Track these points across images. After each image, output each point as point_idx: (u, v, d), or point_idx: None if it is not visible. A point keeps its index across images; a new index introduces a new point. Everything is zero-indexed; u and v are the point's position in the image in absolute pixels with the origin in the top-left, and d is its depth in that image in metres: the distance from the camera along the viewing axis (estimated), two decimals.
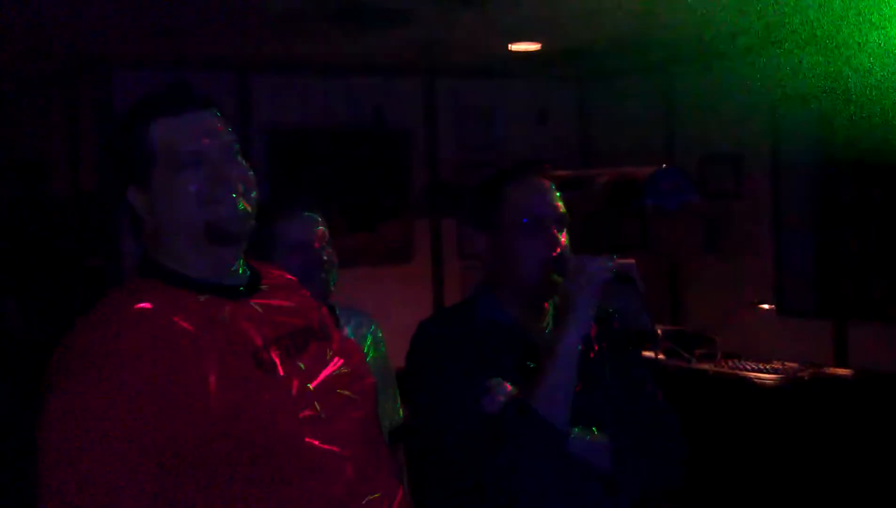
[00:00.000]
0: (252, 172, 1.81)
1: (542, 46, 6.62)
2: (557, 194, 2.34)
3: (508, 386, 2.14)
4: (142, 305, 1.68)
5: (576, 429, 2.16)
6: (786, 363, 4.51)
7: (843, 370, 4.66)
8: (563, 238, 2.29)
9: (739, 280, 6.77)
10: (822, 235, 6.54)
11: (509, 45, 6.58)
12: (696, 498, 4.49)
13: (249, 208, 1.78)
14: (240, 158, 1.80)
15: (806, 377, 4.30)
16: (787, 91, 6.59)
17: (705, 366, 4.53)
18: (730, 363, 4.55)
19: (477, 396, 2.12)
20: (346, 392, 1.82)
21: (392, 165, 7.57)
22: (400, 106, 7.57)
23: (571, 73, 7.90)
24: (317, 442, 1.69)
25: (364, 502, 1.73)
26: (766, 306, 5.14)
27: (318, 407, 1.73)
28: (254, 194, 1.80)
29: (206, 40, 6.14)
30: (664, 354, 4.68)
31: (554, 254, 2.24)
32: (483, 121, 7.85)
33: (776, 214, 6.75)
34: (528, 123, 8.04)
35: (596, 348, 2.34)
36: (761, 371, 4.38)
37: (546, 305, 2.34)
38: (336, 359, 1.86)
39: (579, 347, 2.12)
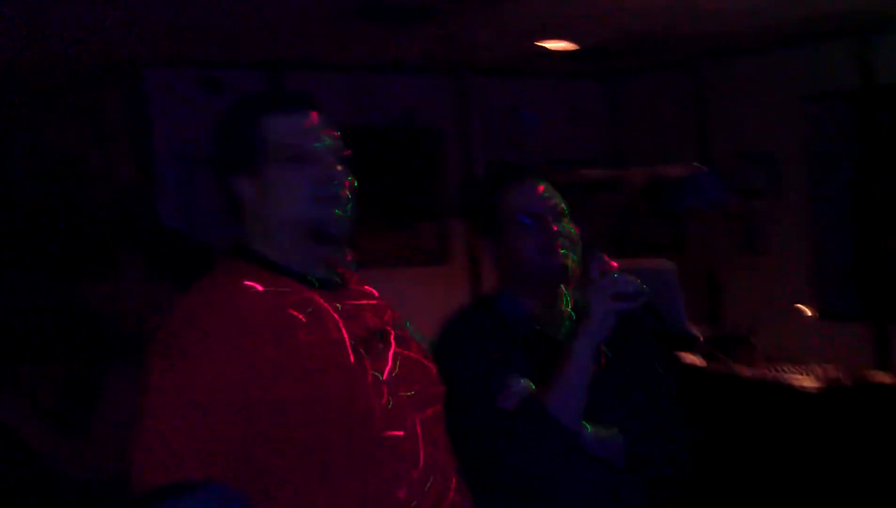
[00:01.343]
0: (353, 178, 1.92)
1: (572, 44, 6.58)
2: (553, 191, 2.46)
3: (525, 383, 2.24)
4: (247, 282, 1.81)
5: (589, 427, 2.25)
6: (827, 368, 4.45)
7: (886, 376, 4.58)
8: (565, 229, 2.40)
9: (778, 282, 6.67)
10: (861, 234, 6.44)
11: (539, 43, 6.54)
12: (735, 503, 4.45)
13: (350, 213, 1.87)
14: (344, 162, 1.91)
15: (848, 383, 4.24)
16: (821, 86, 6.51)
17: (745, 371, 4.48)
18: (770, 367, 4.49)
19: (494, 392, 2.22)
20: (415, 393, 1.94)
21: (424, 165, 7.55)
22: (431, 105, 7.54)
23: (602, 70, 7.85)
24: (393, 432, 1.82)
25: (427, 487, 1.86)
26: (805, 309, 5.06)
27: (392, 402, 1.85)
28: (351, 199, 1.91)
29: (238, 39, 6.15)
30: (703, 358, 4.63)
31: (554, 246, 2.36)
32: (514, 119, 7.82)
33: (813, 213, 6.66)
34: (559, 121, 8.00)
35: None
36: (803, 377, 4.32)
37: (560, 295, 2.44)
38: (412, 362, 1.99)
39: (595, 353, 2.23)
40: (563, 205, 2.43)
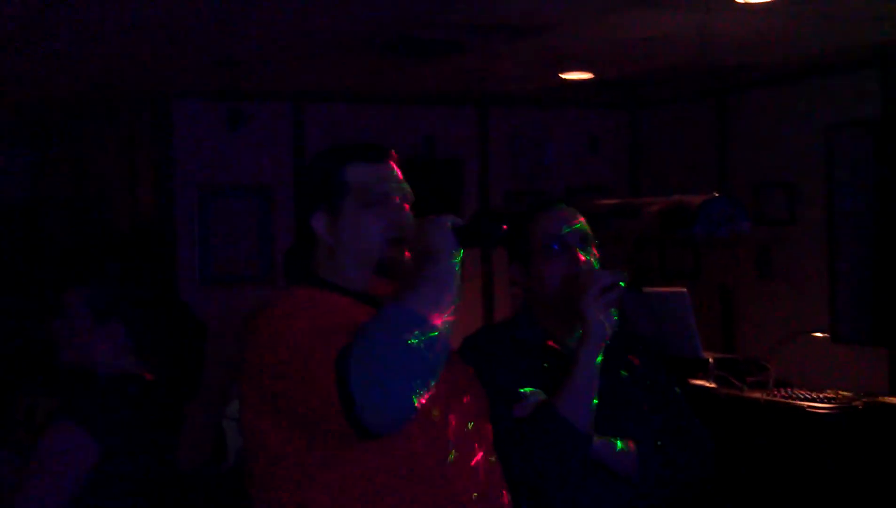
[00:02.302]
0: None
1: (593, 75, 6.66)
2: (580, 218, 2.56)
3: (540, 394, 2.35)
4: (318, 295, 2.05)
5: (599, 437, 2.33)
6: (839, 392, 4.48)
7: None
8: (588, 256, 2.50)
9: (794, 308, 6.72)
10: (877, 261, 6.48)
11: (561, 75, 6.63)
12: None
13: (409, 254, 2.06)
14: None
15: (860, 406, 4.27)
16: (843, 116, 6.57)
17: (757, 394, 4.51)
18: (782, 391, 4.52)
19: (510, 403, 2.33)
20: (467, 408, 2.10)
21: (444, 194, 7.62)
22: (452, 135, 7.65)
23: (623, 100, 7.92)
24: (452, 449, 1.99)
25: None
26: (818, 334, 5.09)
27: (446, 420, 2.01)
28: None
29: (263, 71, 6.27)
30: (716, 382, 4.68)
31: (579, 270, 2.45)
32: (534, 149, 7.88)
33: (831, 241, 6.70)
34: (580, 151, 8.07)
35: (634, 362, 2.55)
36: (814, 400, 4.35)
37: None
38: (458, 370, 2.14)
39: (599, 355, 2.32)
40: (590, 233, 2.53)
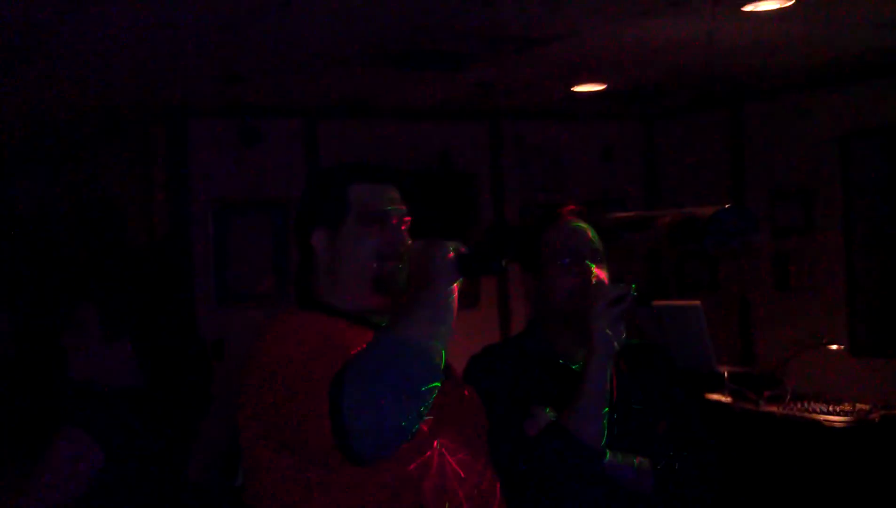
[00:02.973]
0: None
1: (606, 87, 6.65)
2: (592, 232, 2.55)
3: (550, 411, 2.33)
4: (312, 318, 2.08)
5: (612, 453, 2.31)
6: (857, 405, 4.43)
7: None
8: (598, 271, 2.48)
9: (811, 319, 6.67)
10: (895, 271, 6.43)
11: (573, 88, 6.61)
12: None
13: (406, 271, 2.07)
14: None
15: (876, 419, 4.22)
16: (859, 124, 6.53)
17: (773, 408, 4.47)
18: (799, 405, 4.48)
19: (520, 420, 2.32)
20: (464, 421, 2.13)
21: (459, 209, 7.61)
22: (465, 149, 7.64)
23: (636, 111, 7.90)
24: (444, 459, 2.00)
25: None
26: (834, 347, 5.05)
27: (442, 433, 2.02)
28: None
29: (276, 87, 6.28)
30: (732, 396, 4.64)
31: (588, 283, 2.43)
32: (548, 161, 7.87)
33: (848, 250, 6.65)
34: (594, 162, 8.05)
35: (633, 373, 2.52)
36: (831, 413, 4.31)
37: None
38: (460, 396, 2.18)
39: (609, 370, 2.31)
40: (600, 247, 2.52)
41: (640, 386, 2.51)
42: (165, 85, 6.03)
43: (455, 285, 1.93)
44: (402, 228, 2.17)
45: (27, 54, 5.07)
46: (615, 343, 2.32)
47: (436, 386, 1.81)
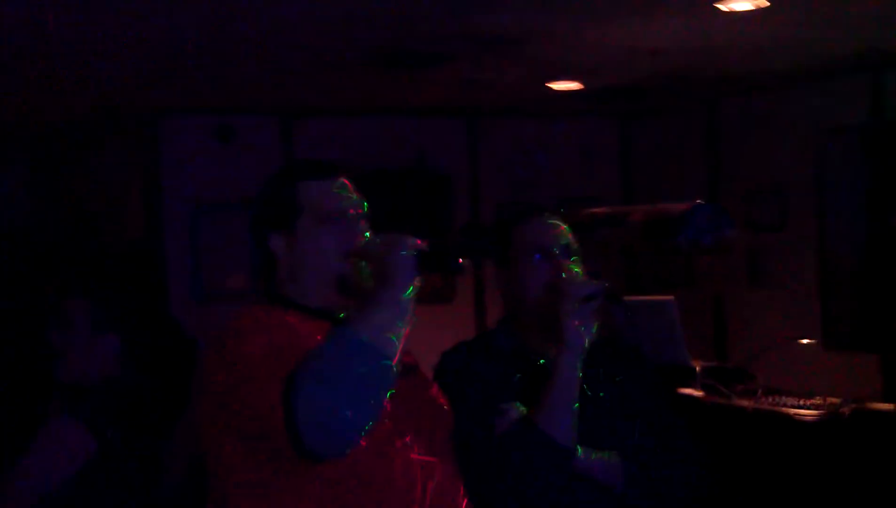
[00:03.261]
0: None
1: (582, 86, 6.67)
2: (565, 228, 2.53)
3: (520, 408, 2.31)
4: (275, 314, 2.05)
5: (583, 449, 2.31)
6: (827, 399, 4.46)
7: (886, 404, 4.59)
8: (570, 266, 2.46)
9: (785, 314, 6.71)
10: (868, 267, 6.48)
11: (550, 85, 6.64)
12: None
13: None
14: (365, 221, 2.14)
15: (846, 413, 4.25)
16: (833, 122, 6.58)
17: (745, 402, 4.49)
18: (770, 399, 4.50)
19: (490, 417, 2.30)
20: (429, 420, 2.11)
21: (435, 207, 7.62)
22: (442, 148, 7.66)
23: (613, 110, 7.93)
24: (402, 458, 1.98)
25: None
26: (805, 341, 5.08)
27: (405, 427, 2.01)
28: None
29: (252, 86, 6.28)
30: (704, 390, 4.66)
31: (558, 279, 2.41)
32: (525, 160, 7.88)
33: (821, 247, 6.70)
34: (571, 161, 8.07)
35: (607, 369, 2.50)
36: (801, 407, 4.33)
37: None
38: (425, 392, 2.18)
39: (578, 366, 2.30)
40: (574, 244, 2.51)
41: (612, 382, 2.50)
42: (140, 85, 6.02)
43: (413, 284, 1.89)
44: (361, 222, 2.13)
45: None
46: (586, 340, 2.31)
47: (389, 385, 1.80)
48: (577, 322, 2.30)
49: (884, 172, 6.36)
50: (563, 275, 2.42)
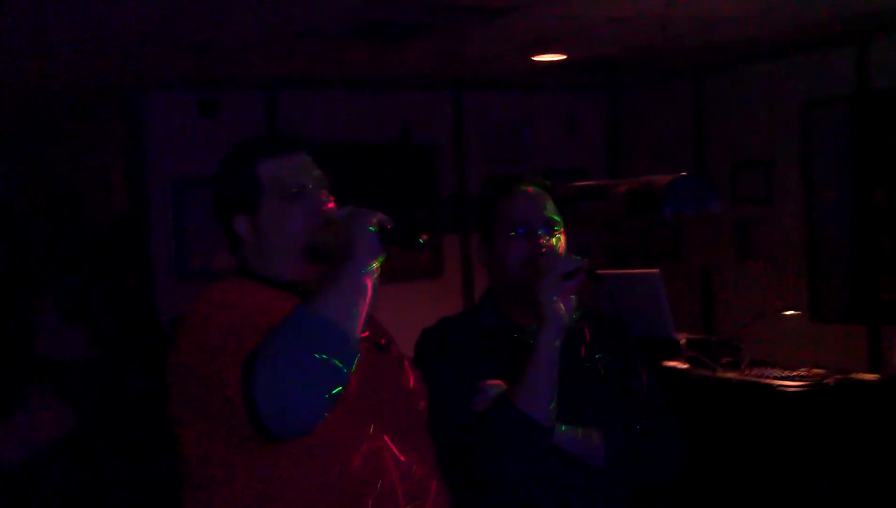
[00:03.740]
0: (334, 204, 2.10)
1: (566, 57, 6.63)
2: (549, 201, 2.47)
3: (500, 386, 2.26)
4: (243, 288, 2.04)
5: (564, 426, 2.27)
6: (812, 370, 4.45)
7: (870, 375, 4.59)
8: (553, 241, 2.41)
9: (773, 287, 6.71)
10: (855, 238, 6.47)
11: (533, 57, 6.60)
12: (717, 506, 4.46)
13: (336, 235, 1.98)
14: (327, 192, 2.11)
15: (831, 383, 4.24)
16: (819, 93, 6.56)
17: (730, 375, 4.48)
18: (755, 371, 4.50)
19: (469, 395, 2.26)
20: (397, 388, 2.10)
21: (421, 180, 7.60)
22: (427, 121, 7.62)
23: (599, 82, 7.90)
24: (373, 442, 1.95)
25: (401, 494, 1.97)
26: (789, 313, 5.07)
27: (374, 409, 1.99)
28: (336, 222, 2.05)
29: (235, 60, 6.23)
30: (689, 363, 4.65)
31: (538, 255, 2.36)
32: (511, 133, 7.85)
33: (809, 218, 6.69)
34: (557, 133, 8.04)
35: (588, 345, 2.47)
36: (786, 379, 4.32)
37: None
38: (396, 372, 2.14)
39: (557, 343, 2.24)
40: (557, 218, 2.45)
41: (593, 356, 2.47)
42: (121, 58, 5.96)
43: (376, 260, 1.86)
44: (323, 196, 2.09)
45: None
46: (565, 317, 2.26)
47: (350, 363, 1.76)
48: (556, 300, 2.25)
49: (870, 144, 6.35)
50: (545, 250, 2.38)
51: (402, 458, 1.99)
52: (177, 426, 1.95)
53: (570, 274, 2.27)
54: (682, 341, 4.75)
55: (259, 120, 7.08)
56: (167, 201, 6.83)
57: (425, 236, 1.93)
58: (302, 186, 2.07)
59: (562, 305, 2.25)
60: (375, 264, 1.86)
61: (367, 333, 1.92)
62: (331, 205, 2.08)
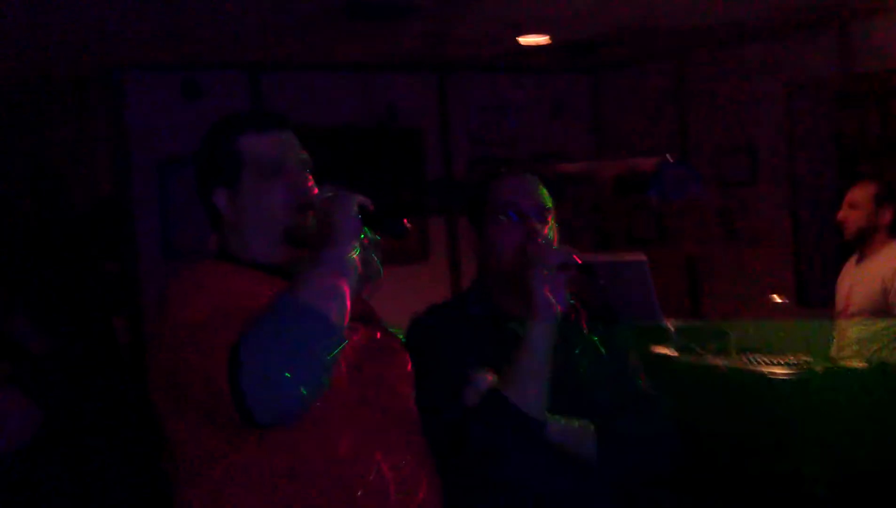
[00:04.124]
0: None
1: (550, 39, 6.61)
2: (542, 188, 2.44)
3: (490, 377, 2.22)
4: (221, 271, 2.03)
5: (555, 417, 2.24)
6: (800, 356, 4.46)
7: (858, 362, 4.60)
8: (546, 229, 2.38)
9: (758, 271, 6.72)
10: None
11: (520, 39, 6.57)
12: (706, 492, 4.48)
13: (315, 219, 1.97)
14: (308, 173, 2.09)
15: (820, 371, 4.26)
16: (800, 76, 6.55)
17: (719, 361, 4.49)
18: (744, 357, 4.50)
19: (459, 387, 2.22)
20: (387, 377, 2.08)
21: (405, 163, 7.56)
22: (412, 103, 7.57)
23: (583, 64, 7.87)
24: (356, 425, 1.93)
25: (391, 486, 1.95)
26: (778, 298, 5.07)
27: (363, 397, 1.98)
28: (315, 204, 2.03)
29: (217, 41, 6.18)
30: (677, 349, 4.66)
31: (531, 242, 2.32)
32: (496, 115, 7.83)
33: (793, 202, 6.70)
34: (542, 116, 8.02)
35: (581, 335, 2.44)
36: (775, 365, 4.33)
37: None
38: (387, 358, 2.12)
39: (550, 334, 2.20)
40: (549, 203, 2.42)
41: (583, 346, 2.45)
42: (102, 40, 5.89)
43: (358, 242, 1.85)
44: (305, 175, 2.08)
45: None
46: (557, 309, 2.22)
47: (335, 348, 1.74)
48: (548, 291, 2.21)
49: (853, 126, 6.35)
50: (537, 238, 2.34)
51: (393, 448, 1.97)
52: (159, 413, 1.92)
53: (562, 266, 2.23)
54: (671, 327, 4.76)
55: (243, 102, 7.01)
56: (152, 182, 6.78)
57: (407, 222, 1.92)
58: (283, 164, 2.05)
59: (553, 296, 2.21)
60: (357, 248, 1.84)
61: (355, 320, 1.90)
62: (313, 190, 2.04)
